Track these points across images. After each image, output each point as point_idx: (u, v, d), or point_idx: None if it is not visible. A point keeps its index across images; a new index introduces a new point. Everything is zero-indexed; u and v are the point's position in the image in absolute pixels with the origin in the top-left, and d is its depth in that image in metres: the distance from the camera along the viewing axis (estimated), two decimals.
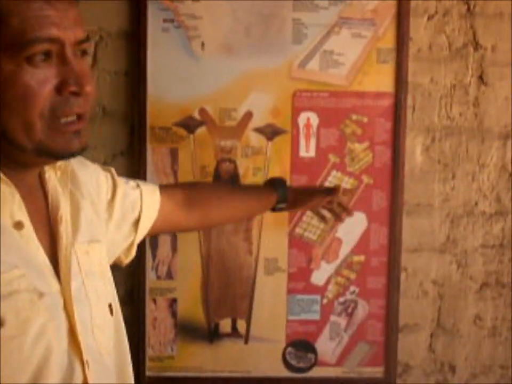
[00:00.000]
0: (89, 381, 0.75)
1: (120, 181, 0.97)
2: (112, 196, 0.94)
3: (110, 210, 0.93)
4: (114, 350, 0.85)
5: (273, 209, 1.19)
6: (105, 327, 0.83)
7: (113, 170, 0.98)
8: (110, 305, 0.85)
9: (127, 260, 1.02)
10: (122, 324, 0.88)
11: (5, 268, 0.68)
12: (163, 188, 1.07)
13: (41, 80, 0.69)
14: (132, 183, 1.01)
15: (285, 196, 1.18)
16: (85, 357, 0.75)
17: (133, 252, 1.02)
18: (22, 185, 0.73)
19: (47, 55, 0.70)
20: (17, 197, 0.72)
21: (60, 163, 0.81)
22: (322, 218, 1.28)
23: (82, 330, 0.76)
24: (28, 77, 0.68)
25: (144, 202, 1.00)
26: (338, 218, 1.26)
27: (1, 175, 0.70)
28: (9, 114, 0.69)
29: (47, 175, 0.80)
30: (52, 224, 0.78)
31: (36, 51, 0.69)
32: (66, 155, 0.74)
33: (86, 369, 0.75)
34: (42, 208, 0.78)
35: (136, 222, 0.99)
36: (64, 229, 0.78)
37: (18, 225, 0.71)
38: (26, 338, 0.69)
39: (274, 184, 1.20)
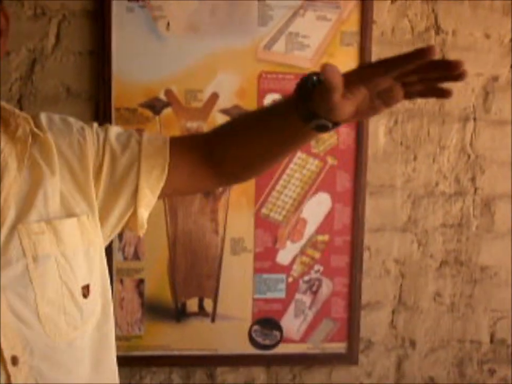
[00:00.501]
0: (13, 380, 0.70)
1: (111, 138, 0.84)
2: (101, 160, 0.83)
3: (99, 175, 0.82)
4: (89, 335, 0.79)
5: (318, 129, 0.76)
6: (70, 314, 0.76)
7: (108, 126, 0.87)
8: (85, 287, 0.78)
9: (140, 231, 0.88)
10: (108, 305, 0.82)
11: None
12: (174, 141, 0.88)
13: None
14: (129, 138, 0.85)
15: (307, 107, 0.75)
16: (8, 353, 0.69)
17: (144, 224, 0.87)
18: None
19: None
20: None
21: (21, 133, 0.76)
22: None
23: (16, 322, 0.70)
24: None
25: (143, 166, 0.84)
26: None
27: None
28: None
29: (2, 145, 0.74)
30: None
31: None
32: None
33: (8, 367, 0.70)
34: None
35: (135, 192, 0.84)
36: (7, 207, 0.72)
37: None
38: None
39: (300, 89, 0.77)
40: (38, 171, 0.77)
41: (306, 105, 0.74)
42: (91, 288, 0.79)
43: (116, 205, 0.84)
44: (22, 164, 0.75)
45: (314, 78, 0.76)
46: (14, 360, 0.70)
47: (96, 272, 0.81)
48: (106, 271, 0.84)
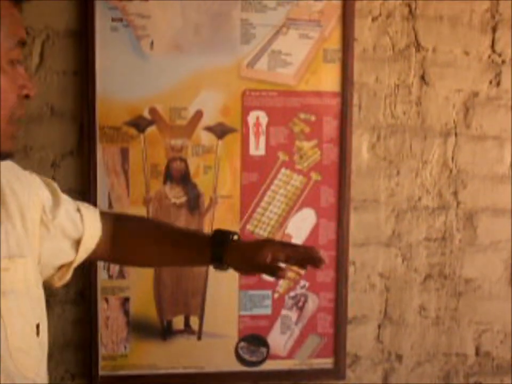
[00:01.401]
0: None
1: (63, 197, 0.93)
2: (52, 210, 0.89)
3: (47, 225, 0.88)
4: (43, 371, 0.80)
5: (216, 268, 1.00)
6: (31, 349, 0.77)
7: (55, 184, 0.93)
8: (37, 326, 0.79)
9: (59, 283, 0.95)
10: (46, 345, 0.83)
11: None
12: (106, 215, 1.02)
13: (11, 83, 0.70)
14: (73, 204, 0.96)
15: (220, 255, 0.96)
16: (3, 382, 0.71)
17: (68, 275, 0.95)
18: None
19: None
20: None
21: None
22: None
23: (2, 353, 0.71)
24: (9, 79, 0.69)
25: (86, 224, 0.95)
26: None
27: None
28: None
29: None
30: None
31: (18, 53, 0.71)
32: (4, 157, 0.74)
33: None
34: None
35: (77, 242, 0.94)
36: None
37: None
38: None
39: (216, 237, 0.98)
40: None
41: (220, 258, 0.97)
42: (40, 327, 0.80)
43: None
44: None
45: (231, 236, 0.98)
46: None
47: (44, 314, 0.83)
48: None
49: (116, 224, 1.03)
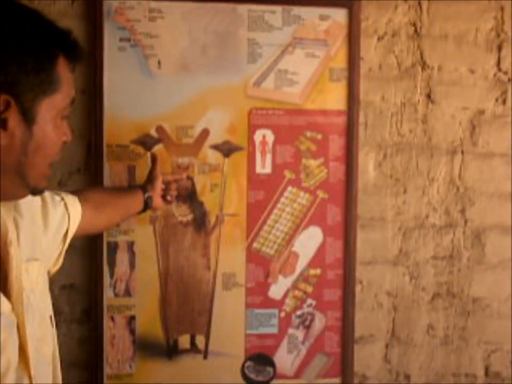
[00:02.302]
0: None
1: (47, 195, 1.01)
2: (44, 213, 0.98)
3: (45, 226, 0.98)
4: (53, 359, 0.90)
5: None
6: (48, 339, 0.88)
7: None
8: (50, 317, 0.89)
9: (54, 269, 1.05)
10: (56, 335, 0.93)
11: None
12: (77, 194, 1.14)
13: (59, 135, 0.80)
14: (56, 196, 1.05)
15: (146, 186, 1.34)
16: (32, 372, 0.79)
17: (60, 261, 1.05)
18: None
19: None
20: None
21: None
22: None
23: (31, 346, 0.80)
24: (59, 131, 0.80)
25: (70, 214, 1.06)
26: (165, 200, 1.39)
27: None
28: (35, 158, 0.77)
29: None
30: (1, 247, 0.81)
31: (69, 110, 0.82)
32: (38, 193, 0.85)
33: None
34: None
35: (65, 234, 1.05)
36: (14, 251, 0.81)
37: None
38: None
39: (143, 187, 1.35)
40: (14, 218, 0.87)
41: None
42: (52, 318, 0.91)
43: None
44: (10, 214, 0.85)
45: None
46: (34, 379, 0.80)
47: (51, 306, 0.93)
48: None
49: (95, 194, 1.23)
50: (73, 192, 1.15)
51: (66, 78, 0.79)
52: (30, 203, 0.93)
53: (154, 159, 1.38)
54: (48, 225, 0.99)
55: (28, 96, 0.74)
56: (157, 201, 1.36)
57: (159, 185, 1.36)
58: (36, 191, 0.82)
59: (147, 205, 1.33)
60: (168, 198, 1.39)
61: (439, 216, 1.61)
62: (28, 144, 0.75)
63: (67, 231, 1.05)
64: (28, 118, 0.75)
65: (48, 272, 1.02)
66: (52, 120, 0.78)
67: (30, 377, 0.79)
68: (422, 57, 1.58)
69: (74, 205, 1.10)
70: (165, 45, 1.49)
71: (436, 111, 1.59)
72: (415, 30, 1.57)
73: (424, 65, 1.58)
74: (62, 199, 1.07)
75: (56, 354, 0.91)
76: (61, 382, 0.92)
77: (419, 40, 1.58)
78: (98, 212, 1.21)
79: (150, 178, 1.36)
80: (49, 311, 0.90)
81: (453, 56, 1.58)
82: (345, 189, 1.55)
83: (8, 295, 0.78)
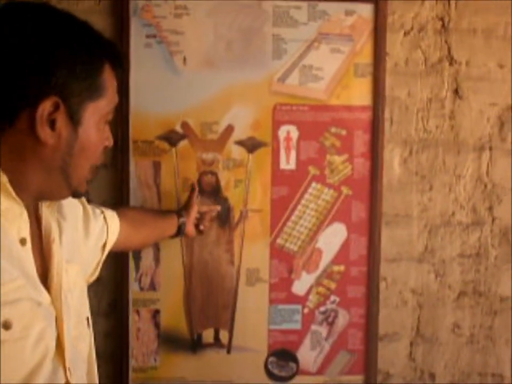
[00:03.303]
0: None
1: (89, 207, 1.07)
2: (84, 224, 1.03)
3: (86, 235, 1.03)
4: (89, 358, 0.94)
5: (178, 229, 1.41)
6: (85, 338, 0.91)
7: (83, 199, 1.07)
8: (87, 319, 0.93)
9: (91, 279, 1.09)
10: (93, 335, 0.97)
11: (11, 277, 0.75)
12: (116, 210, 1.21)
13: (102, 139, 0.85)
14: (97, 209, 1.12)
15: (181, 212, 1.43)
16: (67, 364, 0.82)
17: (97, 272, 1.11)
18: (26, 208, 0.81)
19: None
20: (25, 215, 0.80)
21: None
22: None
23: (67, 340, 0.83)
24: (101, 135, 0.84)
25: (109, 228, 1.13)
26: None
27: (14, 194, 0.77)
28: (79, 159, 0.82)
29: (39, 204, 0.87)
30: (43, 244, 0.85)
31: (112, 115, 0.86)
32: (79, 196, 0.90)
33: (69, 376, 0.82)
34: (35, 230, 0.85)
35: (103, 245, 1.11)
36: (56, 249, 0.86)
37: (23, 241, 0.79)
38: (28, 341, 0.76)
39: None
40: (58, 219, 0.91)
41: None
42: (89, 320, 0.95)
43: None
44: (54, 214, 0.90)
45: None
46: (69, 371, 0.83)
47: (89, 309, 0.97)
48: None
49: (133, 212, 1.33)
50: (112, 208, 1.21)
51: (111, 85, 0.85)
52: (73, 210, 0.98)
53: (193, 188, 1.46)
54: (89, 234, 1.04)
55: (76, 100, 0.79)
56: (190, 229, 1.44)
57: (193, 214, 1.44)
58: (77, 193, 0.87)
59: (180, 230, 1.41)
60: (201, 227, 1.46)
61: (466, 214, 1.59)
62: (73, 145, 0.80)
63: (105, 243, 1.11)
64: (74, 120, 0.80)
65: (87, 282, 1.07)
66: (96, 124, 0.83)
67: (65, 369, 0.82)
68: (449, 52, 1.55)
69: (113, 219, 1.16)
70: (190, 41, 1.50)
71: (463, 106, 1.57)
72: (443, 25, 1.55)
73: (451, 60, 1.55)
74: (102, 212, 1.13)
75: (92, 354, 0.95)
76: (97, 382, 0.97)
77: (446, 35, 1.55)
78: (135, 229, 1.28)
79: (187, 206, 1.44)
80: (87, 313, 0.94)
81: (482, 50, 1.55)
82: (369, 185, 1.54)
83: (48, 290, 0.82)
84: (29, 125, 0.76)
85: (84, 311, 0.93)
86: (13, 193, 0.77)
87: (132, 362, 1.52)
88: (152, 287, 1.52)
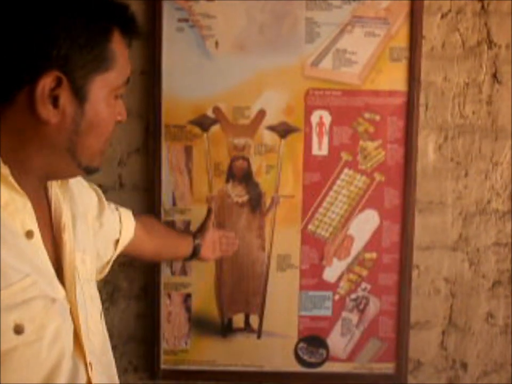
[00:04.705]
0: (93, 381, 0.79)
1: (105, 200, 1.05)
2: (99, 214, 1.00)
3: (97, 226, 0.99)
4: (106, 351, 0.89)
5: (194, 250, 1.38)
6: (100, 331, 0.87)
7: (99, 189, 1.04)
8: (100, 313, 0.90)
9: (99, 277, 1.04)
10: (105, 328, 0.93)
11: (19, 277, 0.69)
12: (132, 212, 1.18)
13: (112, 114, 0.78)
14: (112, 204, 1.09)
15: (197, 234, 1.40)
16: (88, 359, 0.78)
17: (107, 270, 1.06)
18: (31, 193, 0.75)
19: None
20: (29, 206, 0.73)
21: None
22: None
23: (84, 334, 0.78)
24: (112, 110, 0.77)
25: (123, 226, 1.10)
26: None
27: (16, 185, 0.71)
28: (87, 137, 0.75)
29: (48, 184, 0.81)
30: (54, 231, 0.80)
31: (124, 90, 0.79)
32: (94, 171, 0.82)
33: (89, 371, 0.78)
34: (46, 215, 0.80)
35: (116, 242, 1.08)
36: (68, 236, 0.80)
37: (29, 234, 0.73)
38: (42, 343, 0.71)
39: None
40: (71, 206, 0.86)
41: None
42: (101, 311, 0.92)
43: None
44: (66, 198, 0.85)
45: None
46: (90, 366, 0.79)
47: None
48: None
49: (152, 220, 1.32)
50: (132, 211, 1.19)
51: (121, 54, 0.76)
52: (86, 199, 0.95)
53: (209, 211, 1.44)
54: (102, 225, 1.00)
55: (80, 73, 0.71)
56: (206, 251, 1.41)
57: (209, 238, 1.40)
58: (90, 170, 0.80)
59: (195, 252, 1.37)
60: (217, 252, 1.44)
61: (502, 202, 1.55)
62: (79, 123, 0.73)
63: (118, 240, 1.08)
64: (80, 96, 0.72)
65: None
66: (105, 99, 0.75)
67: (85, 364, 0.78)
68: (488, 35, 1.51)
69: (128, 218, 1.14)
70: (222, 25, 1.48)
71: (502, 91, 1.52)
72: (482, 7, 1.50)
73: (490, 44, 1.51)
74: (117, 209, 1.11)
75: (108, 346, 0.90)
76: (116, 374, 0.91)
77: (486, 17, 1.50)
78: (149, 237, 1.23)
79: (202, 229, 1.41)
80: (100, 305, 0.91)
81: None
82: (403, 172, 1.51)
83: (62, 281, 0.77)
84: (29, 103, 0.69)
85: (98, 303, 0.90)
86: (15, 185, 0.71)
87: (163, 345, 1.54)
88: (183, 271, 1.53)
